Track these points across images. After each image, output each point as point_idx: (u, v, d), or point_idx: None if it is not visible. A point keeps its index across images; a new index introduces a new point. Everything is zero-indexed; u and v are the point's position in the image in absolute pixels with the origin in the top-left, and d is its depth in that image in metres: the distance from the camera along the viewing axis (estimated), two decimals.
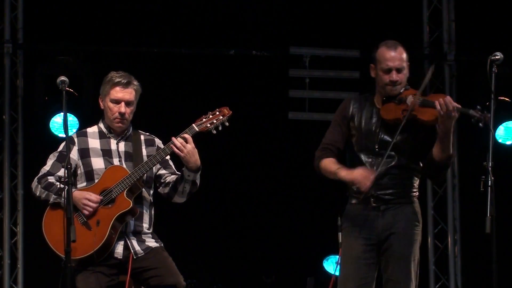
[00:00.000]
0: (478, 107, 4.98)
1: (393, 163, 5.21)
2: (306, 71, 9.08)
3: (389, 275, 5.23)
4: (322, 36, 9.08)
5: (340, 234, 5.60)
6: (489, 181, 4.81)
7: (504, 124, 8.71)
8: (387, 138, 5.20)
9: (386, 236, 5.22)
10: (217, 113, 5.36)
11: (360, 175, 5.05)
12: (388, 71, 5.19)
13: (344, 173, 5.14)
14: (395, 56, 5.19)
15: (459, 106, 5.01)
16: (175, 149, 5.23)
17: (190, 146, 5.24)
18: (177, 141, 5.24)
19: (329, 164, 5.25)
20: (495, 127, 8.43)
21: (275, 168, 9.13)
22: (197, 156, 5.28)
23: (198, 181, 5.36)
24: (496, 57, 5.00)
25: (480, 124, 4.94)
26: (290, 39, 9.08)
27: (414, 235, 5.25)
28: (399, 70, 5.19)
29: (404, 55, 5.22)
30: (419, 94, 5.13)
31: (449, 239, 9.12)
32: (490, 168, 4.83)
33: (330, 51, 9.09)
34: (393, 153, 5.19)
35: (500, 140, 8.68)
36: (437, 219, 9.15)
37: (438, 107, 4.97)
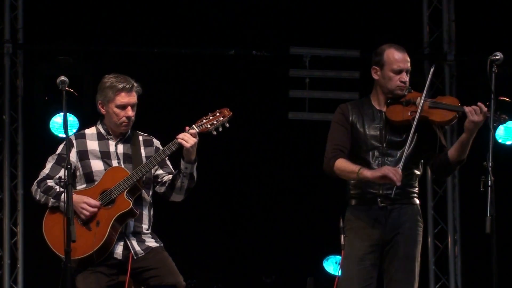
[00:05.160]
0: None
1: (400, 162, 5.21)
2: (306, 71, 9.07)
3: (392, 275, 5.23)
4: (322, 36, 9.08)
5: (342, 236, 5.57)
6: (489, 181, 4.82)
7: (504, 124, 8.70)
8: (394, 138, 5.22)
9: (392, 236, 5.22)
10: (217, 114, 5.36)
11: (389, 170, 5.01)
12: (399, 72, 5.23)
13: (369, 173, 5.07)
14: (404, 58, 5.26)
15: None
16: (182, 141, 5.23)
17: (196, 139, 5.26)
18: (184, 134, 5.26)
19: (346, 164, 5.18)
20: (495, 127, 8.42)
21: (275, 168, 9.12)
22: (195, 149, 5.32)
23: (195, 174, 5.38)
24: (496, 57, 5.01)
25: (494, 124, 5.00)
26: (290, 39, 9.08)
27: (418, 235, 5.28)
28: (407, 72, 5.26)
29: (408, 58, 5.29)
30: (425, 96, 5.17)
31: (449, 239, 9.12)
32: (490, 168, 4.84)
33: (330, 51, 9.09)
34: (399, 152, 5.21)
35: (500, 140, 8.68)
36: (437, 219, 9.14)
37: (470, 114, 5.02)
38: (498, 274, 4.84)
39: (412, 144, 5.18)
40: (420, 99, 5.16)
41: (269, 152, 9.13)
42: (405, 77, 5.23)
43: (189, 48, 9.00)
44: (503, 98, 8.43)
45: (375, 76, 5.31)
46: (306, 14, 9.05)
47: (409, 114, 5.17)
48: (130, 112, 5.40)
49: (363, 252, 5.22)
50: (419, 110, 5.14)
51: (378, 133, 5.26)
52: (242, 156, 9.09)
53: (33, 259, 8.59)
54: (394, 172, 5.00)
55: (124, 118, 5.40)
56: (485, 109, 5.02)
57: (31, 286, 8.79)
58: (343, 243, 5.50)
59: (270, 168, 9.12)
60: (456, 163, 5.20)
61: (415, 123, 5.12)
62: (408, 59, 5.27)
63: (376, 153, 5.24)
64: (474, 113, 5.03)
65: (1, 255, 8.72)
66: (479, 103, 5.04)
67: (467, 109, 5.05)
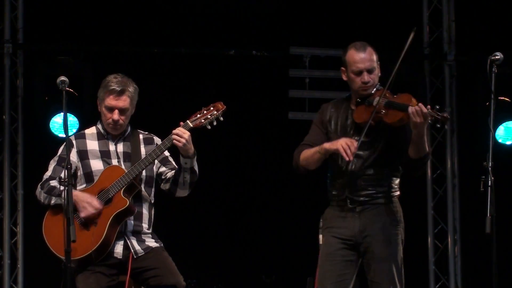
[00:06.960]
0: (437, 106, 4.97)
1: (367, 163, 5.21)
2: (306, 71, 9.07)
3: (372, 277, 5.25)
4: (322, 36, 9.08)
5: (320, 236, 5.59)
6: (489, 181, 4.81)
7: (504, 124, 8.70)
8: (361, 139, 5.18)
9: (363, 237, 5.23)
10: (211, 108, 5.38)
11: (343, 143, 5.02)
12: (359, 73, 5.21)
13: (328, 145, 5.13)
14: (364, 58, 5.21)
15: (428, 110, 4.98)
16: (175, 141, 5.23)
17: (187, 135, 5.25)
18: (175, 133, 5.26)
19: (308, 150, 5.27)
20: (495, 127, 8.43)
21: (275, 168, 9.12)
22: (191, 144, 5.30)
23: (196, 168, 5.38)
24: (496, 57, 5.00)
25: (438, 125, 4.94)
26: (290, 39, 9.07)
27: (393, 235, 5.24)
28: (370, 71, 5.21)
29: (374, 56, 5.24)
30: (385, 93, 5.12)
31: (449, 239, 9.11)
32: (490, 168, 4.83)
33: (330, 51, 9.08)
34: (367, 153, 5.20)
35: (500, 140, 8.67)
36: (437, 219, 9.13)
37: (412, 116, 4.96)
38: (498, 274, 4.84)
39: (370, 143, 5.16)
40: (377, 99, 5.12)
41: (269, 152, 9.13)
42: (366, 78, 5.19)
43: (189, 48, 9.00)
44: (503, 98, 8.43)
45: (344, 77, 5.33)
46: (306, 14, 9.05)
47: (369, 115, 5.14)
48: (115, 116, 5.40)
49: (334, 248, 5.25)
50: (373, 111, 5.09)
51: (348, 133, 5.25)
52: (242, 156, 9.09)
53: (33, 259, 8.59)
54: (347, 146, 5.00)
55: (110, 120, 5.42)
56: (425, 110, 4.92)
57: (31, 286, 8.79)
58: (320, 242, 5.51)
59: (270, 168, 9.11)
60: (418, 160, 5.12)
61: (368, 124, 5.09)
62: (372, 57, 5.20)
63: None
64: (416, 114, 4.96)
65: (1, 255, 8.72)
66: (419, 104, 4.98)
67: (410, 110, 4.98)
